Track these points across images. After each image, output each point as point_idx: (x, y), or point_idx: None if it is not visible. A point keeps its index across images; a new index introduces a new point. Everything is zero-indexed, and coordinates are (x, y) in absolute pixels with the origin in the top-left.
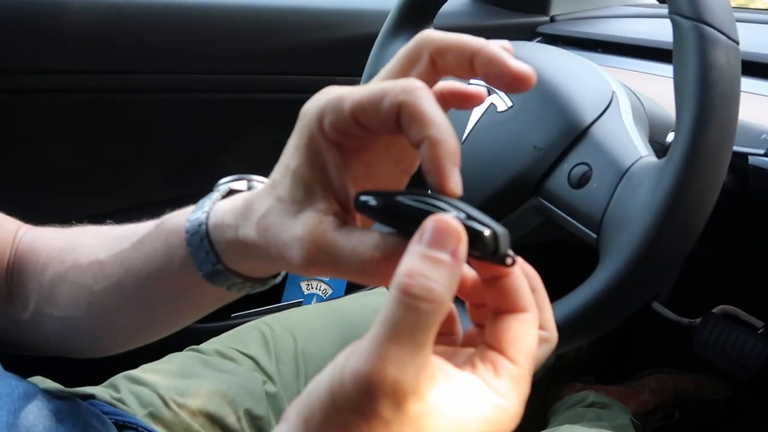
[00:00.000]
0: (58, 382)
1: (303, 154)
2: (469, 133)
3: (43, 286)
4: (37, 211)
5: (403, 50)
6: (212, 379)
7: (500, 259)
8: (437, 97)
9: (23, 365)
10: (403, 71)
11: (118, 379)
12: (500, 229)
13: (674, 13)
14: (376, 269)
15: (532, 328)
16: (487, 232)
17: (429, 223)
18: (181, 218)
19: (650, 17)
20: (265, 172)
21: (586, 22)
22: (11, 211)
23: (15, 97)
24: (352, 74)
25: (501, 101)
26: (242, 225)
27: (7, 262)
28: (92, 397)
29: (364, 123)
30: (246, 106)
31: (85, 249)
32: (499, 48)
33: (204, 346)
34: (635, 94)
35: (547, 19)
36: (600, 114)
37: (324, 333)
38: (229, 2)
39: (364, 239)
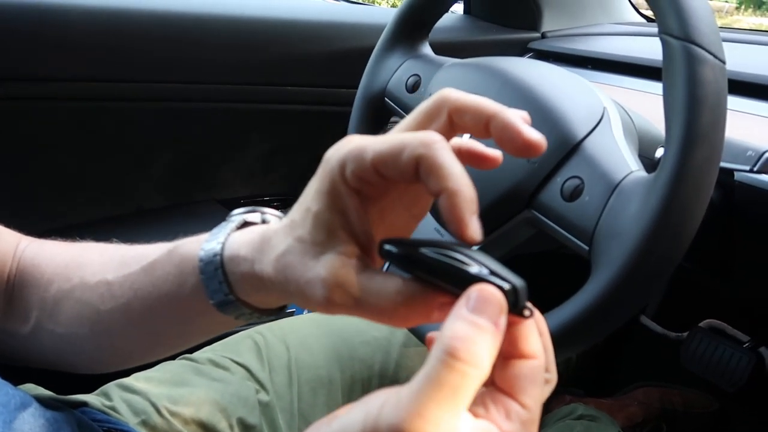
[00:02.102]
0: (50, 390)
1: (325, 199)
2: None
3: (47, 301)
4: (33, 217)
5: (423, 105)
6: (205, 387)
7: (518, 311)
8: (455, 151)
9: (15, 372)
10: (422, 126)
11: (111, 387)
12: (519, 283)
13: (664, 33)
14: (397, 313)
15: (540, 374)
16: (507, 287)
17: (474, 292)
18: (195, 246)
19: (639, 35)
20: (262, 181)
21: (577, 39)
22: (5, 217)
23: (11, 105)
24: (349, 86)
25: None
26: (258, 260)
27: (8, 275)
28: (84, 404)
29: (384, 173)
30: (243, 116)
31: (91, 267)
32: (514, 115)
33: (197, 354)
34: (625, 110)
35: (538, 35)
36: (591, 129)
37: (317, 342)
38: (227, 13)
39: (386, 284)
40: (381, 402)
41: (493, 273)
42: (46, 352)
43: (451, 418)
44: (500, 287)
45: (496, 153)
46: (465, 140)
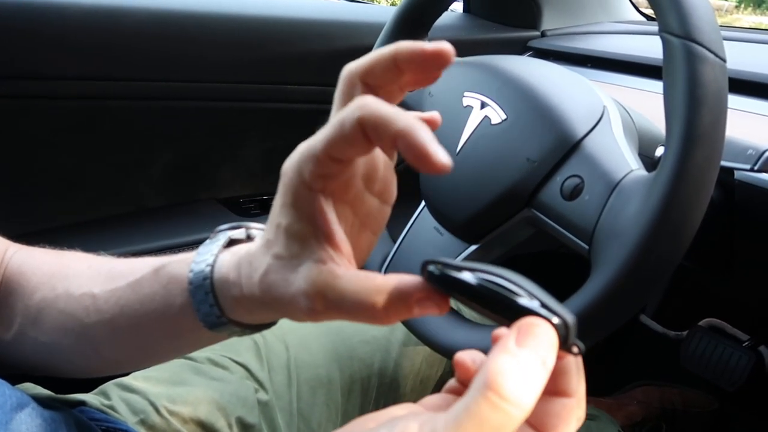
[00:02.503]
0: (49, 389)
1: (291, 211)
2: (463, 145)
3: (30, 309)
4: (32, 216)
5: (337, 91)
6: (204, 386)
7: (567, 348)
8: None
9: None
10: (346, 104)
11: (109, 386)
12: (570, 318)
13: (664, 32)
14: (378, 310)
15: (574, 414)
16: (557, 322)
17: (525, 326)
18: (182, 266)
19: (639, 34)
20: (262, 180)
21: (577, 37)
22: (5, 216)
23: (10, 103)
24: None
25: (495, 114)
26: (246, 284)
27: None
28: (83, 404)
29: (340, 156)
30: (243, 115)
31: (77, 279)
32: (410, 42)
33: (196, 354)
34: (625, 109)
35: (538, 33)
36: (591, 128)
37: (316, 341)
38: (227, 11)
39: (365, 283)
40: (417, 426)
41: (543, 306)
42: (29, 359)
43: None
44: (551, 322)
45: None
46: (399, 44)
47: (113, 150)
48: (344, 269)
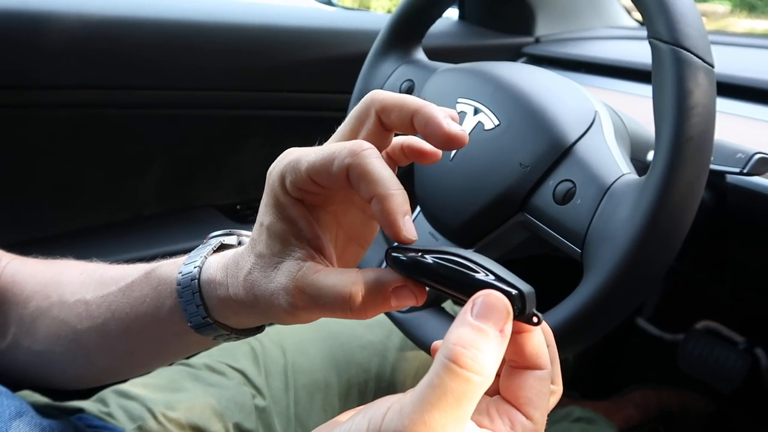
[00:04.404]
0: (47, 396)
1: (272, 211)
2: (457, 151)
3: (24, 319)
4: (30, 224)
5: (354, 110)
6: (201, 392)
7: (527, 318)
8: (397, 150)
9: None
10: (354, 129)
11: (107, 393)
12: (527, 289)
13: (653, 38)
14: (356, 303)
15: (547, 386)
16: (513, 293)
17: (480, 298)
18: (172, 268)
19: (632, 39)
20: (259, 187)
21: (571, 43)
22: (3, 224)
23: (8, 112)
24: (344, 91)
25: (488, 120)
26: (232, 284)
27: None
28: (81, 411)
29: (319, 182)
30: (240, 123)
31: (70, 286)
32: (436, 110)
33: (193, 359)
34: (617, 114)
35: (532, 39)
36: (583, 133)
37: (313, 347)
38: (223, 20)
39: (342, 277)
40: (384, 409)
41: (499, 279)
42: (22, 369)
43: (455, 426)
44: (507, 293)
45: (435, 149)
46: (404, 137)
47: (111, 157)
48: (324, 267)
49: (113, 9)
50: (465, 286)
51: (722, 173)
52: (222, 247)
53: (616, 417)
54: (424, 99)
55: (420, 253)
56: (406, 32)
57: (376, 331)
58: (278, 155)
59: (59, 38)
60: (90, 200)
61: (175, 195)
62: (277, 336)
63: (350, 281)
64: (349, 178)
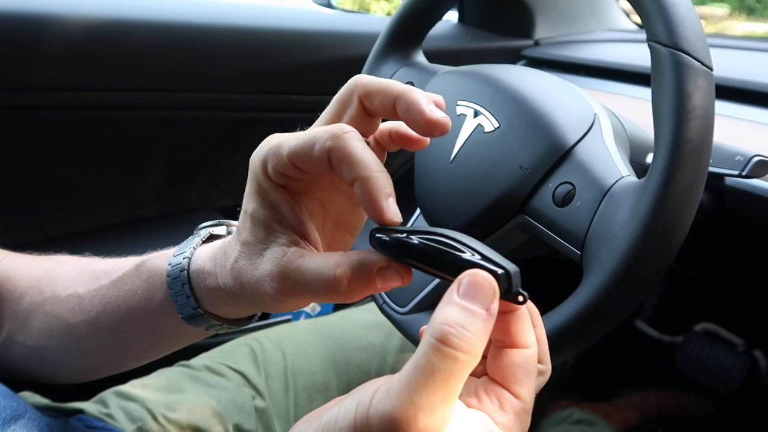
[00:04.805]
0: (48, 397)
1: (255, 198)
2: (457, 153)
3: (18, 315)
4: (29, 226)
5: (337, 95)
6: (201, 393)
7: (512, 297)
8: (385, 136)
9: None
10: (337, 114)
11: (107, 394)
12: (512, 268)
13: (652, 41)
14: (341, 286)
15: (533, 364)
16: (499, 272)
17: (466, 277)
18: (162, 260)
19: (631, 42)
20: None
21: (570, 46)
22: (3, 225)
23: (7, 114)
24: None
25: (488, 122)
26: (220, 273)
27: None
28: (81, 412)
29: (301, 167)
30: (239, 125)
31: (63, 281)
32: (419, 95)
33: (193, 361)
34: (616, 116)
35: (531, 42)
36: (583, 135)
37: (313, 348)
38: (223, 22)
39: (326, 260)
40: (372, 391)
41: (485, 258)
42: (16, 364)
43: (444, 405)
44: (492, 272)
45: (422, 137)
46: (393, 123)
47: (111, 159)
48: (309, 252)
49: (112, 11)
50: (451, 266)
51: (721, 176)
52: (211, 238)
53: (615, 419)
54: None
55: (405, 234)
56: (406, 35)
57: (375, 332)
58: None
59: (59, 40)
60: (90, 202)
61: (174, 197)
62: (276, 338)
63: (334, 264)
64: (331, 162)
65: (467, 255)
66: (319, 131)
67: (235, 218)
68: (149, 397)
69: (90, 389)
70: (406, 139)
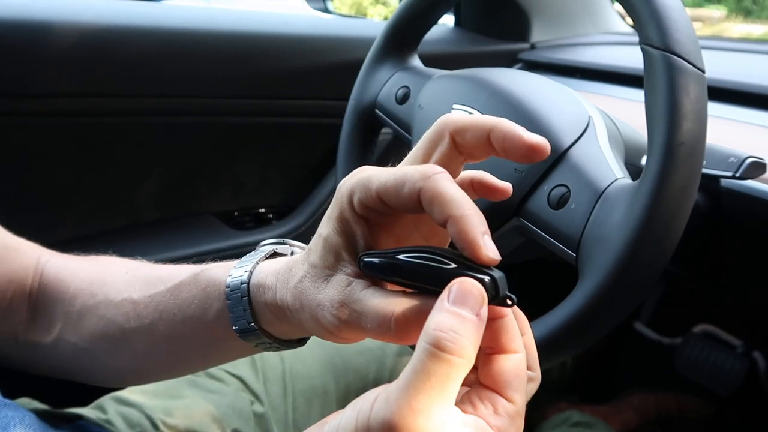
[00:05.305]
0: (47, 403)
1: (334, 223)
2: None
3: (71, 316)
4: (28, 231)
5: (426, 133)
6: (200, 399)
7: (501, 301)
8: (466, 185)
9: (12, 385)
10: (428, 153)
11: (106, 400)
12: (497, 274)
13: (644, 44)
14: (396, 326)
15: (523, 369)
16: (486, 279)
17: (455, 285)
18: (222, 271)
19: (627, 44)
20: (256, 194)
21: (566, 49)
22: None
23: (6, 120)
24: (341, 98)
25: None
26: (280, 289)
27: (30, 287)
28: (80, 418)
29: (388, 203)
30: (237, 130)
31: (116, 285)
32: (512, 123)
33: None
34: (611, 119)
35: (527, 46)
36: (577, 138)
37: (311, 353)
38: (220, 28)
39: (388, 298)
40: (372, 399)
41: (470, 268)
42: (66, 363)
43: (441, 409)
44: (480, 279)
45: (505, 184)
46: (475, 172)
47: (110, 164)
48: (372, 286)
49: (111, 18)
50: (439, 279)
51: (716, 177)
52: (273, 255)
53: (614, 421)
54: (420, 105)
55: (391, 255)
56: (401, 39)
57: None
58: (276, 162)
59: (57, 46)
60: (89, 207)
61: (173, 202)
62: None
63: (392, 303)
64: (422, 202)
65: (453, 266)
66: (411, 170)
67: (234, 224)
68: (148, 403)
69: (88, 395)
70: (489, 188)
